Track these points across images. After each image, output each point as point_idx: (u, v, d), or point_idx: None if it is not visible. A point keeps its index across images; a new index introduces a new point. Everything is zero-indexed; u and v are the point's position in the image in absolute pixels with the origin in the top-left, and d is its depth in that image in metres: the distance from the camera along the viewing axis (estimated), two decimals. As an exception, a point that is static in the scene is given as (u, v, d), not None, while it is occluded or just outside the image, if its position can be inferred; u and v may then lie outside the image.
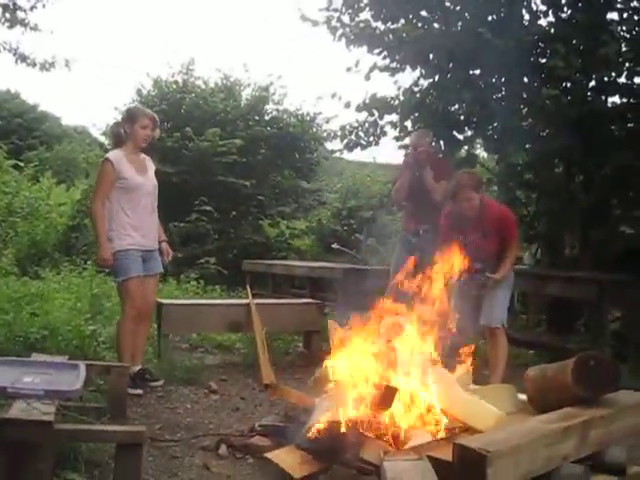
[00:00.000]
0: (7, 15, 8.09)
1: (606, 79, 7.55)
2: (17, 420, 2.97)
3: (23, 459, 2.99)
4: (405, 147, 8.76)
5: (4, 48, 8.23)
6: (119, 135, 5.37)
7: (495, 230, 5.40)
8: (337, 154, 13.95)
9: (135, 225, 5.21)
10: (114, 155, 5.22)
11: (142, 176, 5.32)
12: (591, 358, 3.70)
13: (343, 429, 3.66)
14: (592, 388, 3.62)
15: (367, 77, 8.26)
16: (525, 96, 7.90)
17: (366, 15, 8.17)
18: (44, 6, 8.18)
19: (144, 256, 5.29)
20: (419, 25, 7.75)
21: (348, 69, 8.39)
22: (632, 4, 7.57)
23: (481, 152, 10.24)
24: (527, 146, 8.53)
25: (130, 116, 5.41)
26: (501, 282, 5.41)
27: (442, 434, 3.65)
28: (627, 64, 7.47)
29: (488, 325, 5.48)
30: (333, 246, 11.51)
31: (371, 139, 8.97)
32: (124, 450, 3.12)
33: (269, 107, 14.42)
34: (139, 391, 5.10)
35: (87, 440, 3.40)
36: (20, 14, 8.10)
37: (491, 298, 5.46)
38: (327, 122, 14.20)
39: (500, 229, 5.41)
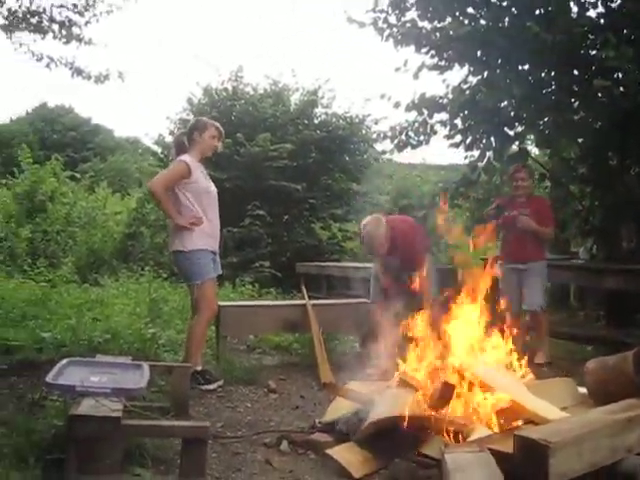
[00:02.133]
0: (63, 32, 8.30)
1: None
2: (87, 416, 3.08)
3: (93, 454, 3.10)
4: (456, 146, 8.75)
5: (61, 63, 8.44)
6: (182, 144, 5.53)
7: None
8: (387, 156, 14.03)
9: (205, 227, 5.35)
10: (189, 159, 5.38)
11: (208, 182, 5.51)
12: (653, 348, 3.68)
13: (403, 425, 3.70)
14: (655, 378, 3.59)
15: (415, 76, 8.27)
16: (576, 89, 7.81)
17: (412, 15, 8.19)
18: (98, 21, 8.38)
19: (213, 258, 5.43)
20: (466, 22, 7.73)
21: (397, 69, 8.41)
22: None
23: (532, 148, 10.11)
24: (579, 140, 8.43)
25: (201, 125, 5.56)
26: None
27: (502, 427, 3.65)
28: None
29: (531, 309, 6.44)
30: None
31: (421, 138, 8.97)
32: (189, 445, 3.21)
33: (318, 111, 14.49)
34: (211, 386, 5.24)
35: (154, 435, 3.49)
36: (75, 30, 8.32)
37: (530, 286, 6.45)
38: (376, 123, 14.20)
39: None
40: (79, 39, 8.43)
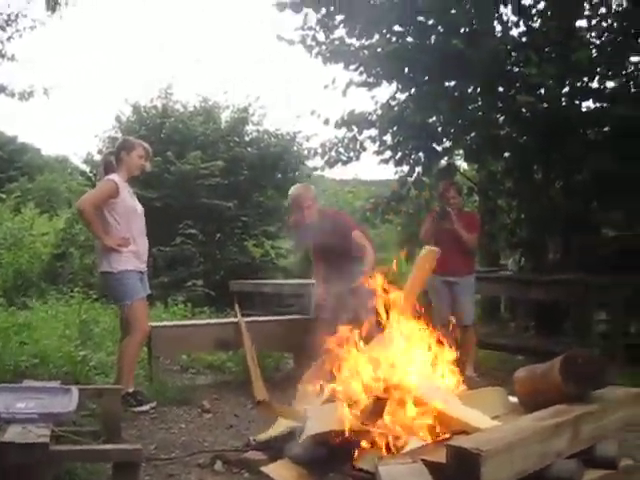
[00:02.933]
0: (-17, 48, 8.14)
1: (579, 84, 7.68)
2: (12, 444, 2.98)
3: (21, 482, 3.00)
4: (385, 162, 8.87)
5: (-18, 80, 8.27)
6: (109, 163, 5.47)
7: None
8: (318, 172, 14.11)
9: (133, 247, 5.28)
10: (117, 178, 5.32)
11: (135, 201, 5.46)
12: (578, 356, 3.76)
13: (336, 439, 3.70)
14: (581, 385, 3.66)
15: (344, 93, 8.37)
16: (500, 105, 8.02)
17: (341, 32, 8.29)
18: (21, 36, 8.24)
19: (141, 278, 5.35)
20: (393, 40, 7.86)
21: (325, 86, 8.49)
22: (599, 11, 7.73)
23: (461, 162, 10.32)
24: (505, 154, 8.64)
25: (128, 145, 5.51)
26: None
27: (434, 438, 3.68)
28: (598, 69, 7.62)
29: (464, 323, 6.38)
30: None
31: (351, 155, 9.08)
32: (122, 469, 3.13)
33: (249, 128, 14.48)
34: (144, 407, 5.16)
35: (84, 460, 3.40)
36: (-4, 45, 8.16)
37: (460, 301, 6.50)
38: (307, 140, 14.25)
39: None
40: (1, 55, 8.27)
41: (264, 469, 3.67)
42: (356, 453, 3.62)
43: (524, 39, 7.84)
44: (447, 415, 3.75)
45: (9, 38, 8.27)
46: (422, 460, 3.15)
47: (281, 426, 4.23)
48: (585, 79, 7.64)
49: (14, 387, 4.07)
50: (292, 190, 6.21)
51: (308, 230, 6.10)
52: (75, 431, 3.97)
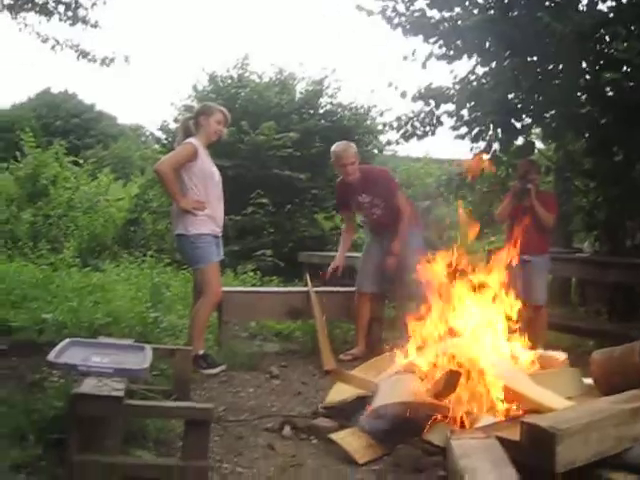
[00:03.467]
0: (69, 13, 8.25)
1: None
2: (89, 395, 3.04)
3: (94, 434, 3.07)
4: (461, 137, 8.71)
5: (66, 45, 8.40)
6: (188, 128, 5.51)
7: None
8: (391, 147, 13.96)
9: (209, 212, 5.33)
10: (196, 141, 5.36)
11: (213, 167, 5.49)
12: (660, 340, 3.65)
13: (407, 411, 3.68)
14: (661, 370, 3.56)
15: (424, 65, 8.20)
16: (583, 83, 7.77)
17: (421, 4, 8.12)
18: (105, 3, 8.34)
19: (216, 242, 5.40)
20: (475, 12, 7.67)
21: (405, 58, 8.34)
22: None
23: (538, 141, 10.05)
24: (585, 134, 8.38)
25: (207, 110, 5.55)
26: None
27: (507, 415, 3.63)
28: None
29: (534, 303, 6.15)
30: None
31: (427, 129, 8.91)
32: (192, 427, 3.17)
33: (323, 100, 14.35)
34: (214, 370, 5.25)
35: (156, 416, 3.47)
36: (81, 12, 8.26)
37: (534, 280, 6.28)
38: (381, 115, 14.02)
39: None
40: (85, 21, 8.38)
41: (332, 436, 3.69)
42: (427, 426, 3.60)
43: (611, 15, 7.55)
44: (520, 393, 3.69)
45: (93, 5, 8.38)
46: (496, 437, 3.10)
47: (346, 393, 4.23)
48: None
49: (90, 342, 4.17)
50: (334, 147, 6.33)
51: (350, 187, 6.27)
52: (147, 389, 4.05)
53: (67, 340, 3.87)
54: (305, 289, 6.60)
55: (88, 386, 3.14)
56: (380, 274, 6.24)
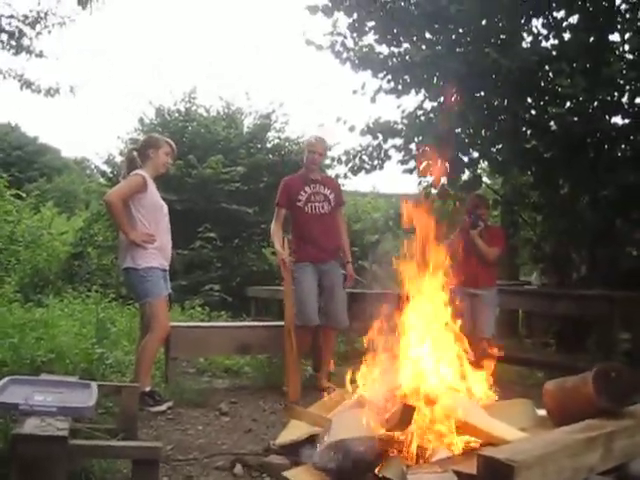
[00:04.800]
0: (12, 42, 8.12)
1: (609, 99, 7.57)
2: (31, 436, 2.91)
3: (37, 477, 2.93)
4: (409, 172, 8.79)
5: (9, 75, 8.25)
6: (133, 159, 5.42)
7: None
8: (340, 181, 14.00)
9: (157, 245, 5.22)
10: (145, 173, 5.27)
11: (161, 199, 5.43)
12: (611, 369, 3.66)
13: (361, 447, 3.60)
14: (613, 399, 3.56)
15: (373, 100, 8.31)
16: (529, 117, 7.93)
17: (370, 39, 8.23)
18: (49, 32, 8.22)
19: (164, 276, 5.29)
20: (423, 48, 7.79)
21: (354, 92, 8.45)
22: (634, 26, 7.62)
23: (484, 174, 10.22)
24: (532, 168, 8.54)
25: (155, 142, 5.49)
26: None
27: (463, 449, 3.59)
28: (629, 85, 7.51)
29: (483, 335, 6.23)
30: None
31: (375, 163, 9.00)
32: (140, 467, 3.06)
33: (271, 135, 14.44)
34: (161, 407, 5.10)
35: (103, 456, 3.33)
36: (25, 41, 8.14)
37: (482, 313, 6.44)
38: (329, 149, 14.18)
39: None
40: (29, 51, 8.25)
41: (286, 474, 3.59)
42: (382, 461, 3.53)
43: (554, 53, 7.74)
44: (473, 426, 3.65)
45: (37, 34, 8.27)
46: (453, 471, 3.05)
47: (300, 430, 4.14)
48: (616, 94, 7.52)
49: (32, 379, 3.99)
50: (311, 136, 6.54)
51: (301, 180, 6.32)
52: (92, 428, 3.90)
53: (7, 378, 3.70)
54: (254, 324, 6.50)
55: (30, 426, 3.01)
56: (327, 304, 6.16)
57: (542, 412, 4.08)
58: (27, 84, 8.33)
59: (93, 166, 16.50)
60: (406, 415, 3.57)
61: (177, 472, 3.80)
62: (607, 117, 7.72)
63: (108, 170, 14.42)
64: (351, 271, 6.31)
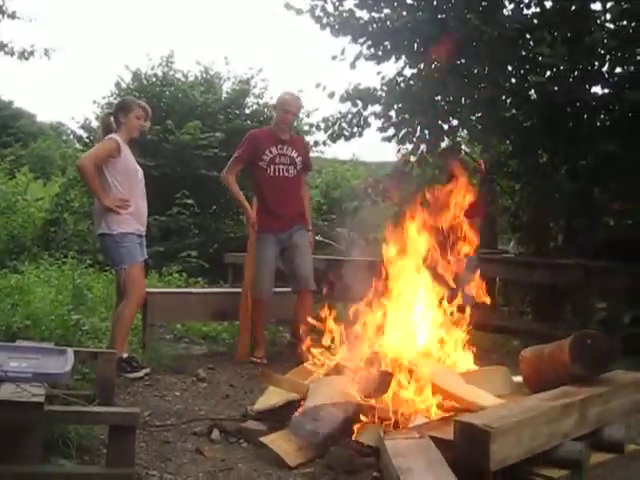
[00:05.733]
0: (-16, 3, 7.94)
1: (590, 68, 7.56)
2: (6, 402, 2.88)
3: (13, 443, 2.91)
4: (388, 140, 8.74)
5: (-19, 37, 8.08)
6: (109, 124, 5.34)
7: None
8: (317, 152, 13.96)
9: (132, 210, 5.16)
10: (118, 137, 5.19)
11: (135, 164, 5.35)
12: (588, 336, 3.69)
13: (338, 413, 3.62)
14: (589, 366, 3.60)
15: (352, 65, 8.23)
16: (508, 86, 7.90)
17: (350, 4, 8.15)
18: (22, -9, 8.02)
19: (139, 242, 5.24)
20: (404, 14, 7.71)
21: (334, 57, 8.36)
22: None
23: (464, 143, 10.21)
24: (511, 136, 8.54)
25: (125, 106, 5.38)
26: None
27: (440, 414, 3.61)
28: (610, 55, 7.50)
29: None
30: (317, 238, 11.45)
31: (355, 130, 8.95)
32: (117, 433, 3.04)
33: (250, 100, 14.31)
34: (138, 374, 5.08)
35: (79, 422, 3.30)
36: (-3, 2, 7.95)
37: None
38: (308, 116, 14.09)
39: None
40: (1, 11, 8.06)
41: (263, 439, 3.60)
42: (358, 428, 3.55)
43: (536, 21, 7.70)
44: (450, 392, 3.68)
45: (10, -7, 8.08)
46: (429, 436, 3.07)
47: (277, 396, 4.14)
48: (596, 63, 7.51)
49: (7, 346, 3.95)
50: (284, 93, 6.11)
51: (268, 139, 6.02)
52: (68, 394, 3.87)
53: (-19, 345, 3.67)
54: (231, 290, 6.47)
55: (5, 392, 2.97)
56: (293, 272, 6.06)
57: (518, 379, 4.11)
58: (0, 46, 8.16)
59: (69, 131, 16.31)
60: (383, 382, 3.59)
61: (154, 438, 3.79)
62: (587, 86, 7.72)
63: (84, 135, 14.24)
64: (312, 239, 6.18)
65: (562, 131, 7.55)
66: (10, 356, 3.55)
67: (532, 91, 7.61)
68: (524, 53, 7.51)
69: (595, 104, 7.61)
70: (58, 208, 12.88)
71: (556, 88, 7.18)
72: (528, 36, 7.43)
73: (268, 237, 5.95)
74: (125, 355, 5.12)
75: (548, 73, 7.38)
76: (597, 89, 7.81)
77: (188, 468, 3.39)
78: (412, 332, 4.19)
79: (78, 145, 14.86)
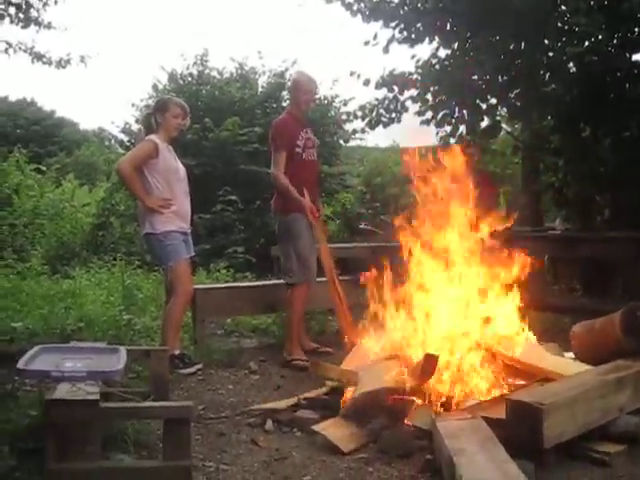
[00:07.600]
0: (20, 15, 8.06)
1: (629, 35, 7.37)
2: (63, 400, 2.95)
3: (72, 440, 2.98)
4: (426, 123, 8.66)
5: (19, 48, 8.20)
6: (150, 125, 5.41)
7: None
8: (357, 142, 13.93)
9: (175, 208, 5.24)
10: (156, 138, 5.26)
11: (177, 162, 5.41)
12: (638, 309, 3.63)
13: (388, 397, 3.63)
14: (641, 339, 3.55)
15: (385, 50, 8.17)
16: (546, 60, 7.76)
17: (380, -12, 8.07)
18: (56, 2, 8.13)
19: (184, 239, 5.30)
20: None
21: (366, 43, 8.31)
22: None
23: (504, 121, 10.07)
24: (551, 112, 8.38)
25: (161, 106, 5.45)
26: None
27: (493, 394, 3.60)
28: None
29: None
30: (361, 226, 11.43)
31: (393, 116, 8.89)
32: (172, 426, 3.08)
33: (286, 93, 14.26)
34: (191, 370, 5.15)
35: (135, 417, 3.37)
36: (33, 13, 8.07)
37: None
38: (345, 104, 14.08)
39: None
40: (37, 23, 8.18)
41: (316, 427, 3.62)
42: (410, 411, 3.55)
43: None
44: (529, 364, 3.66)
45: (44, 5, 8.19)
46: (481, 416, 3.06)
47: (330, 385, 4.18)
48: (636, 30, 7.33)
49: (62, 347, 4.03)
50: (303, 76, 5.90)
51: (298, 123, 5.82)
52: (123, 392, 3.95)
53: (37, 347, 3.74)
54: (278, 281, 6.48)
55: (62, 391, 3.05)
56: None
57: (569, 355, 4.07)
58: (38, 57, 8.27)
59: (111, 136, 16.52)
60: (429, 364, 3.57)
61: (209, 430, 3.86)
62: (627, 54, 7.53)
63: (125, 139, 14.43)
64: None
65: (603, 102, 7.39)
66: (65, 357, 3.63)
67: (570, 63, 7.44)
68: (560, 24, 7.37)
69: (636, 72, 7.42)
70: (104, 212, 13.09)
71: (595, 58, 7.02)
72: (564, 7, 7.29)
73: (302, 218, 5.79)
74: (177, 352, 5.20)
75: (586, 43, 7.21)
76: (638, 56, 7.63)
77: (244, 458, 3.44)
78: (474, 312, 4.17)
79: (120, 149, 15.05)
